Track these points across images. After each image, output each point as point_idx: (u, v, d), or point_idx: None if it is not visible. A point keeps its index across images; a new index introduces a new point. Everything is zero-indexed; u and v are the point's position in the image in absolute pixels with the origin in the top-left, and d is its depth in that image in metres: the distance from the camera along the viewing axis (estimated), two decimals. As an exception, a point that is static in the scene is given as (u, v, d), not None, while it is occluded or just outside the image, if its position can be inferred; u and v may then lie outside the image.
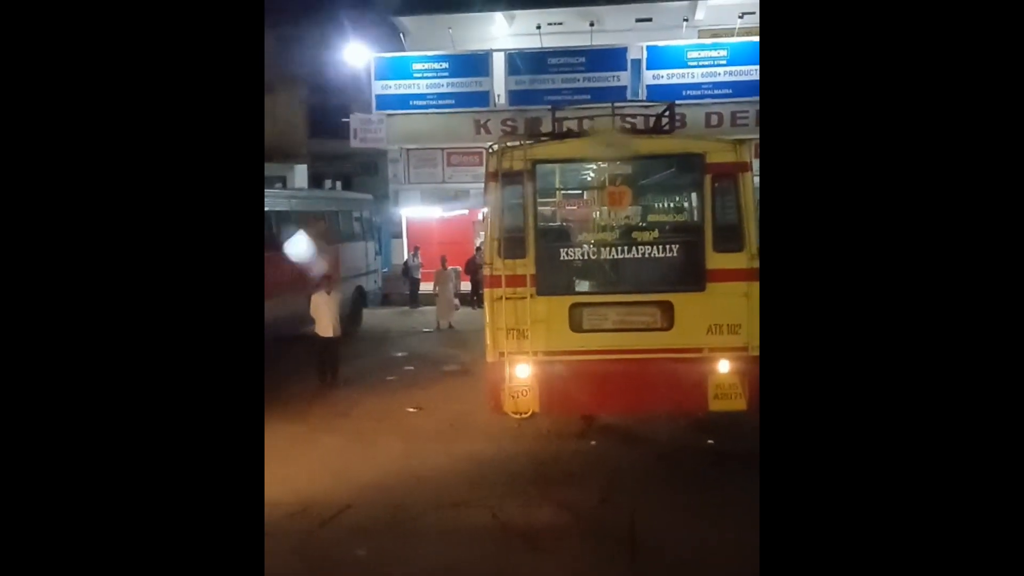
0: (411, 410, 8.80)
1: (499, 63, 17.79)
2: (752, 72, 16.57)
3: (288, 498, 6.07)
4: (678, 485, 6.20)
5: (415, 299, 17.64)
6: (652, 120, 7.72)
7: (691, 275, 6.48)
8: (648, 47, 17.32)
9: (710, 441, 7.18)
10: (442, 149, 18.55)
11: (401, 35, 19.66)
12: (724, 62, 17.03)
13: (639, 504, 5.77)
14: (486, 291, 6.67)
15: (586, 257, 6.64)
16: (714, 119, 17.03)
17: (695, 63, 17.14)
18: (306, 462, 7.08)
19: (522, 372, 6.53)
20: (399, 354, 12.41)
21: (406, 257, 18.44)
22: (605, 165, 6.91)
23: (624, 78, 17.31)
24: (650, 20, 18.62)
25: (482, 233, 8.92)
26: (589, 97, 16.63)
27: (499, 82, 17.81)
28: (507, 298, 6.42)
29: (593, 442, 7.32)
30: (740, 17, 17.05)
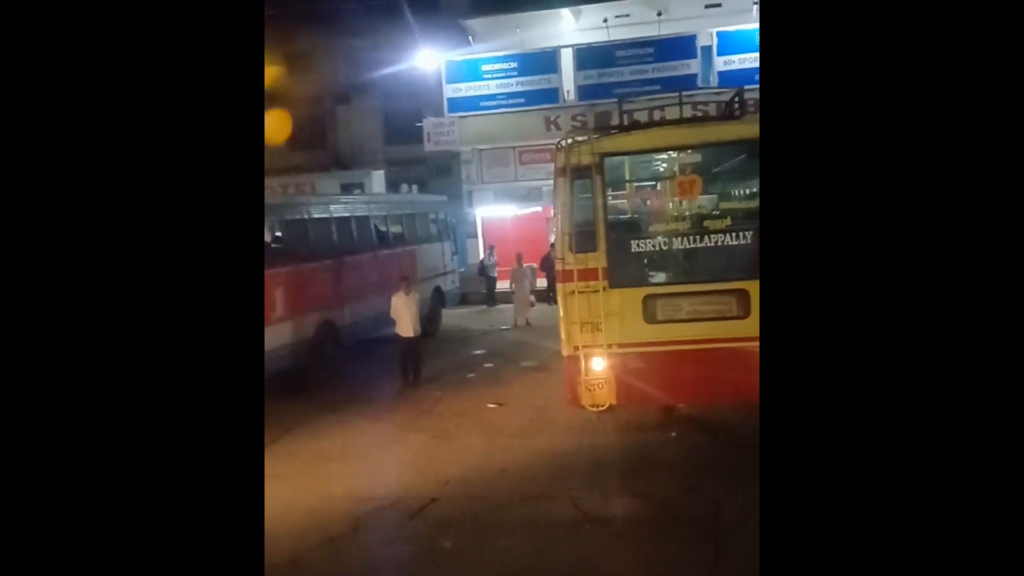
0: (492, 406, 8.96)
1: (567, 59, 17.82)
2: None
3: (378, 492, 6.32)
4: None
5: (492, 297, 17.85)
6: (723, 106, 7.64)
7: None
8: (718, 33, 17.05)
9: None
10: (513, 148, 18.74)
11: (469, 37, 19.92)
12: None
13: (723, 494, 5.74)
14: (559, 286, 6.74)
15: (658, 248, 6.63)
16: None
17: (767, 46, 16.69)
18: (393, 459, 7.32)
19: (597, 365, 6.58)
20: (478, 352, 12.61)
21: (482, 256, 18.71)
22: (674, 155, 6.88)
23: (694, 66, 17.08)
24: (719, 5, 18.27)
25: (555, 229, 8.98)
26: (659, 87, 16.50)
27: (568, 78, 17.84)
28: (580, 292, 6.47)
29: (674, 433, 7.31)
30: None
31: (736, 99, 7.35)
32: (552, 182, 10.37)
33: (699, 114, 7.67)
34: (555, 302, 13.67)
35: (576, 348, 6.58)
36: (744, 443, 6.86)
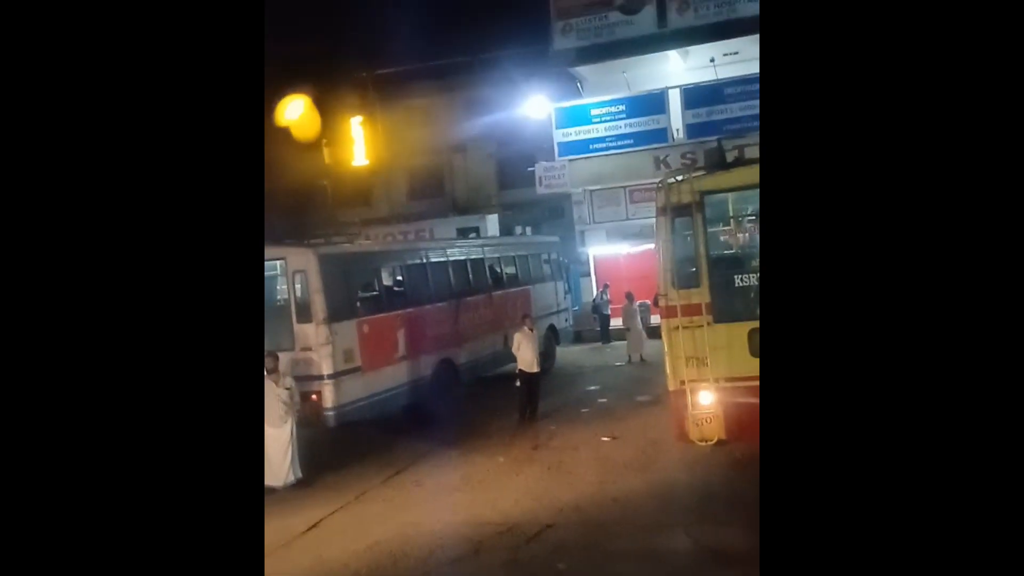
0: (606, 439, 9.20)
1: (675, 99, 18.03)
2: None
3: (496, 519, 6.71)
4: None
5: (606, 335, 18.07)
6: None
7: None
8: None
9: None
10: (624, 187, 19.01)
11: (579, 84, 20.52)
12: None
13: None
14: (663, 321, 6.96)
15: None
16: None
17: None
18: (511, 488, 7.70)
19: (705, 399, 6.73)
20: (592, 387, 12.88)
21: (595, 295, 18.95)
22: None
23: (803, 99, 16.88)
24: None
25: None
26: (768, 121, 16.42)
27: (676, 117, 18.01)
28: (684, 327, 6.68)
29: (786, 466, 7.31)
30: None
31: None
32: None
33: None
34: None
35: (682, 383, 6.77)
36: None
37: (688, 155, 17.34)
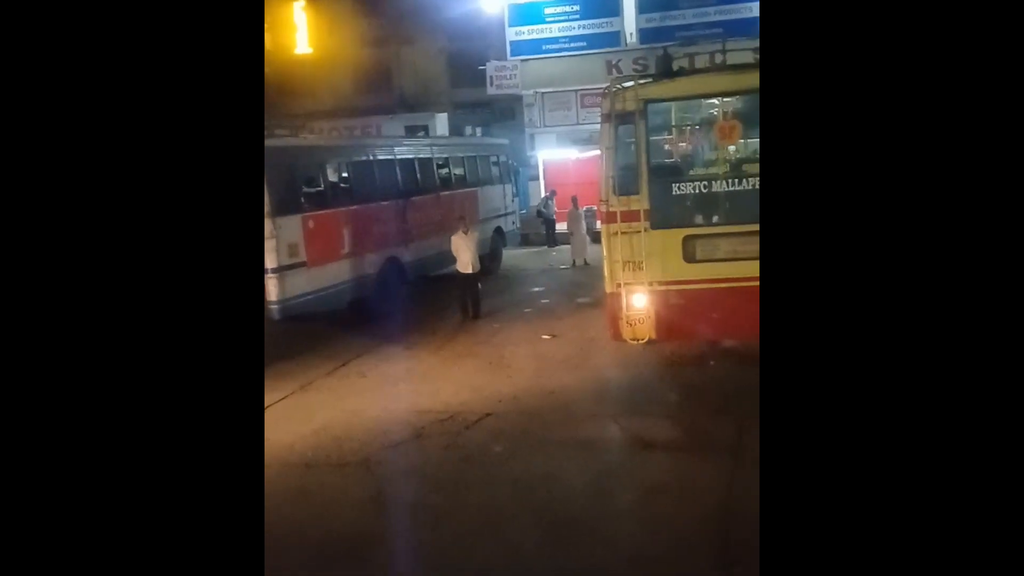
0: (545, 337, 9.62)
1: (629, 2, 17.84)
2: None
3: (437, 407, 7.11)
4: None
5: (552, 239, 18.38)
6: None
7: None
8: (783, -28, 16.78)
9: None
10: (576, 91, 18.98)
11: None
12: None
13: (748, 418, 6.21)
14: (603, 226, 7.20)
15: (698, 191, 7.02)
16: None
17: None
18: (452, 380, 8.08)
19: (638, 301, 7.08)
20: (536, 289, 13.27)
21: (541, 199, 19.18)
22: (716, 101, 7.23)
23: (756, 9, 16.90)
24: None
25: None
26: (721, 30, 16.43)
27: (630, 21, 17.91)
28: (622, 232, 6.96)
29: (712, 362, 7.86)
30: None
31: None
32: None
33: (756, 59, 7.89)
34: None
35: (618, 285, 7.10)
36: None
37: (640, 60, 17.37)
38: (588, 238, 15.84)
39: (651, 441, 6.07)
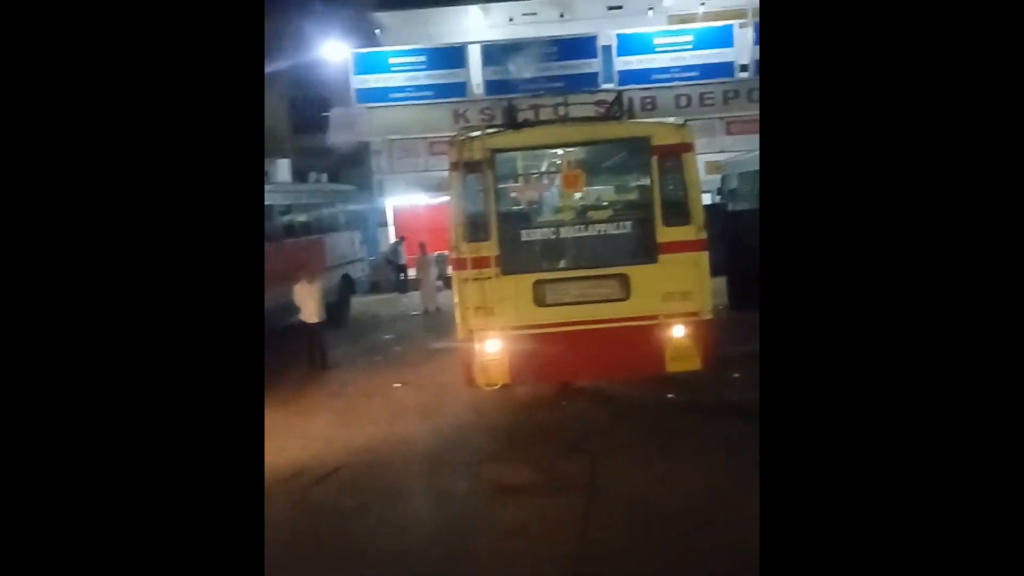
0: (398, 386, 9.46)
1: (475, 54, 18.32)
2: (717, 55, 17.47)
3: (284, 464, 6.73)
4: (638, 436, 6.88)
5: (402, 285, 18.29)
6: (609, 107, 8.30)
7: (644, 248, 7.07)
8: (618, 35, 17.96)
9: (670, 396, 7.92)
10: (424, 138, 19.03)
11: (377, 31, 20.18)
12: (690, 46, 17.76)
13: (600, 455, 6.41)
14: (454, 273, 7.23)
15: (546, 237, 7.26)
16: (683, 100, 17.79)
17: (663, 48, 17.84)
18: (300, 434, 7.71)
19: (491, 347, 7.15)
20: (387, 336, 13.07)
21: (388, 246, 19.09)
22: (560, 151, 7.53)
23: (595, 65, 17.94)
24: (620, 8, 19.25)
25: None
26: (562, 84, 17.26)
27: (476, 72, 18.34)
28: (474, 279, 7.03)
29: (564, 403, 8.01)
30: (702, 3, 17.86)
31: (616, 102, 8.02)
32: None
33: (601, 112, 8.34)
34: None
35: (471, 331, 7.13)
36: (624, 410, 7.65)
37: (487, 111, 17.73)
38: (439, 284, 15.88)
39: (507, 485, 6.06)
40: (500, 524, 5.36)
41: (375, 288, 17.94)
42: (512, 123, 7.55)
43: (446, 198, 18.86)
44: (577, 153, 7.41)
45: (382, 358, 11.34)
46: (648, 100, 17.40)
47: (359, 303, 15.82)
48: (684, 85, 17.74)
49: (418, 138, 19.12)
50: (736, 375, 8.12)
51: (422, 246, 16.18)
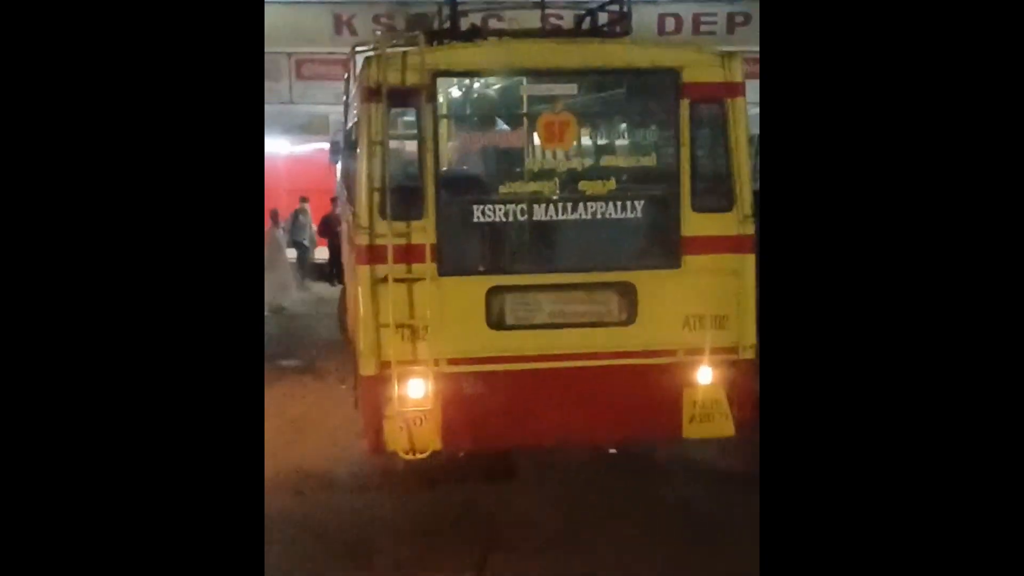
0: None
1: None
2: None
3: None
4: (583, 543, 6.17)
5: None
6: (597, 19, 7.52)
7: (660, 244, 6.54)
8: None
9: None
10: (288, 55, 18.53)
11: None
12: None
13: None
14: (359, 269, 6.34)
15: (512, 218, 6.43)
16: (670, 24, 17.95)
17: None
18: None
19: (417, 391, 6.24)
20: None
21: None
22: (539, 83, 6.70)
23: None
24: None
25: (345, 178, 8.71)
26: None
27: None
28: (395, 280, 6.14)
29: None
30: None
31: (612, 5, 7.36)
32: (345, 108, 9.87)
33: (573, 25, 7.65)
34: (340, 281, 13.61)
35: (385, 364, 6.20)
36: (561, 495, 6.87)
37: (383, 19, 17.73)
38: (294, 269, 16.17)
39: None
40: None
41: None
42: (457, 32, 6.80)
43: (321, 144, 18.11)
44: (565, 87, 6.61)
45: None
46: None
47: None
48: (673, 2, 17.86)
49: (280, 53, 18.30)
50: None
51: (274, 215, 16.26)
